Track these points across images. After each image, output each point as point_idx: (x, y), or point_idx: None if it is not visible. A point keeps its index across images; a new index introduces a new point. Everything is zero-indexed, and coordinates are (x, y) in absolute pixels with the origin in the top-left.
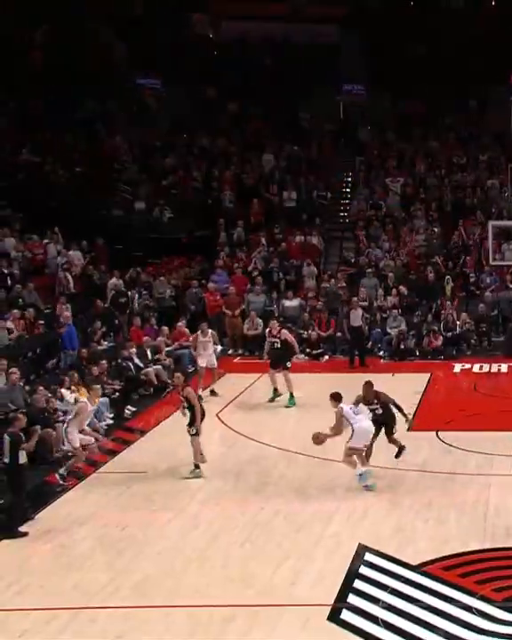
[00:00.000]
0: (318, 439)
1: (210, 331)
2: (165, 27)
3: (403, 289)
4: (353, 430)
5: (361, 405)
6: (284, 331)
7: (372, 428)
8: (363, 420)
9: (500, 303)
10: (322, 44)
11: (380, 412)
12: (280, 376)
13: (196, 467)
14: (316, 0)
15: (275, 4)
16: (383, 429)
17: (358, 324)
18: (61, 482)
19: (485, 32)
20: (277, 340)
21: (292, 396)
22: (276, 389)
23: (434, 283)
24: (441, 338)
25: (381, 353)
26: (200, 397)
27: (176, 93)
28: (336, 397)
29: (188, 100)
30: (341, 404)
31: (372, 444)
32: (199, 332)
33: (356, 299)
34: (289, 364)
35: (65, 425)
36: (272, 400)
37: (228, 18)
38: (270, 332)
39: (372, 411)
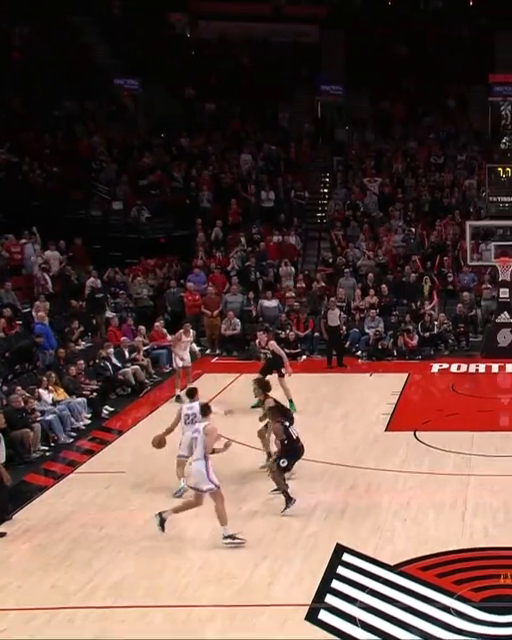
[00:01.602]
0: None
1: (192, 331)
2: (145, 26)
3: (384, 288)
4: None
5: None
6: (272, 342)
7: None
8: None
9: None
10: (302, 44)
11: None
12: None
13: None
14: (298, 0)
15: (255, 4)
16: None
17: (336, 323)
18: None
19: (465, 32)
20: (268, 351)
21: (291, 402)
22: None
23: (413, 283)
24: (416, 337)
25: (359, 353)
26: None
27: (155, 93)
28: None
29: (167, 99)
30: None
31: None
32: (182, 332)
33: (333, 299)
34: (283, 371)
35: (198, 459)
36: (256, 407)
37: (208, 17)
38: (259, 343)
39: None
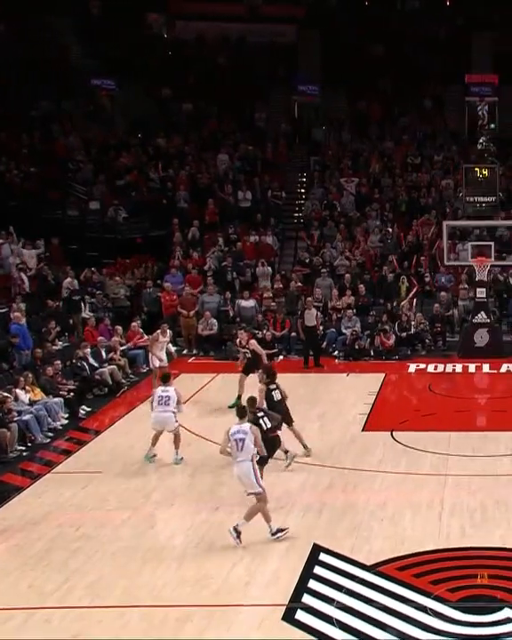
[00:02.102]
0: None
1: (169, 331)
2: (122, 27)
3: (361, 288)
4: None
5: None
6: (253, 341)
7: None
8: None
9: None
10: (279, 44)
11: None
12: (244, 380)
13: None
14: (275, 0)
15: (232, 5)
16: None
17: (313, 323)
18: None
19: (441, 33)
20: (248, 350)
21: (238, 397)
22: (239, 396)
23: (390, 283)
24: (393, 337)
25: (336, 353)
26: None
27: (132, 93)
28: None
29: (144, 99)
30: None
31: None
32: (159, 332)
33: (310, 299)
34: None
35: (244, 460)
36: (233, 406)
37: (185, 17)
38: (239, 342)
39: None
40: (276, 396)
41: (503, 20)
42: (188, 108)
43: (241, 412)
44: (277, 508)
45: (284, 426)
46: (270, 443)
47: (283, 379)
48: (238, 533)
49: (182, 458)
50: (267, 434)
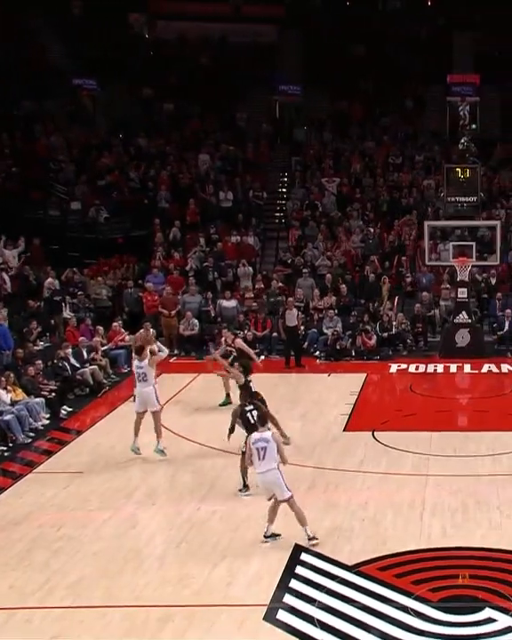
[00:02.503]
0: None
1: (152, 330)
2: (103, 27)
3: (343, 288)
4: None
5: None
6: (238, 340)
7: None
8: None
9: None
10: (260, 44)
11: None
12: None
13: None
14: (256, 0)
15: (213, 4)
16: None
17: (293, 324)
18: None
19: (423, 33)
20: (233, 349)
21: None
22: (228, 395)
23: (371, 283)
24: (374, 337)
25: (317, 353)
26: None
27: (114, 93)
28: None
29: (125, 99)
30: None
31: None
32: (142, 331)
33: (291, 299)
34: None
35: (271, 469)
36: (225, 405)
37: (166, 17)
38: (225, 341)
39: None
40: (253, 387)
41: (484, 19)
42: (170, 108)
43: (262, 420)
44: (258, 509)
45: None
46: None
47: (264, 378)
48: (310, 538)
49: (164, 449)
50: (254, 427)
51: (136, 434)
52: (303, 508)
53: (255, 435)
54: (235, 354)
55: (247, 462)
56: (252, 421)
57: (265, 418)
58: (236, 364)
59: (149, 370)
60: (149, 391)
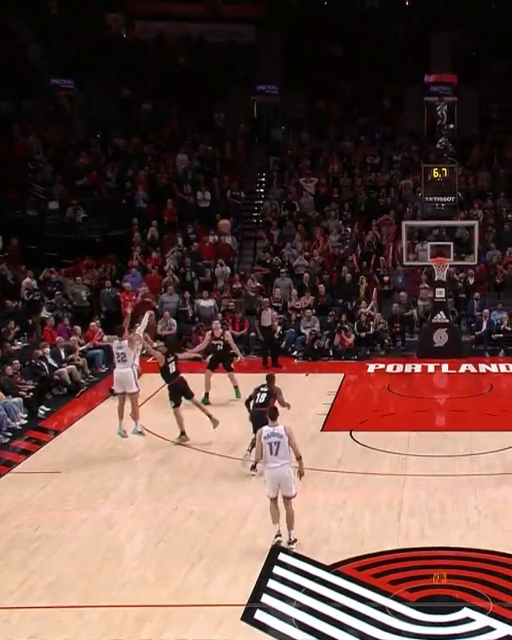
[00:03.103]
0: None
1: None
2: (81, 27)
3: (321, 288)
4: None
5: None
6: (227, 333)
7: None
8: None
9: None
10: (238, 44)
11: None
12: (211, 376)
13: None
14: (234, 0)
15: (191, 4)
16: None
17: (269, 324)
18: None
19: (400, 33)
20: (221, 342)
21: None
22: (207, 394)
23: (349, 283)
24: (352, 336)
25: (295, 353)
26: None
27: (92, 93)
28: None
29: (103, 100)
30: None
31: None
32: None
33: (266, 299)
34: (232, 366)
35: (285, 463)
36: (205, 402)
37: (144, 17)
38: (212, 334)
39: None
40: (172, 368)
41: (462, 20)
42: (148, 109)
43: (273, 414)
44: (236, 509)
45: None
46: (256, 417)
47: (242, 378)
48: (292, 541)
49: (142, 431)
50: (257, 408)
51: (120, 417)
52: (281, 508)
53: (267, 429)
54: (220, 347)
55: (257, 456)
56: (257, 402)
57: (276, 413)
58: (158, 345)
59: (129, 351)
60: (128, 372)
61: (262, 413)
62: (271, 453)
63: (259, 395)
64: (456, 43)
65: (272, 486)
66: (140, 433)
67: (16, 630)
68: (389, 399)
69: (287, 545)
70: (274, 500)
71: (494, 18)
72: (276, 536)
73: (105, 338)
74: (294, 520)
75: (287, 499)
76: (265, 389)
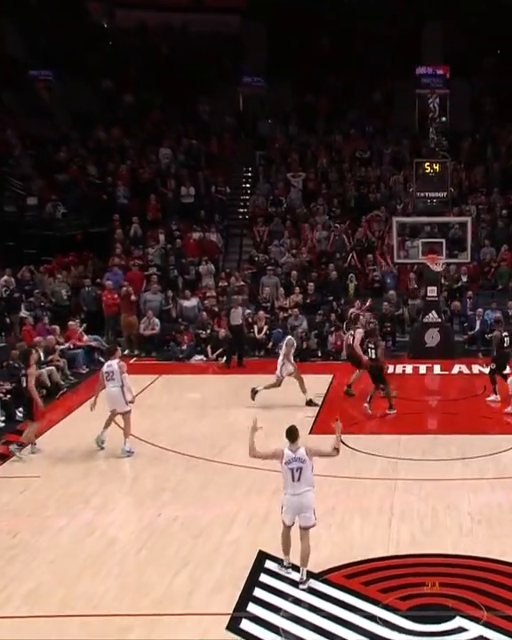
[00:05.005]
0: None
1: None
2: (61, 16)
3: (310, 286)
4: None
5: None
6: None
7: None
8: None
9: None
10: (223, 35)
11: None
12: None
13: None
14: None
15: None
16: None
17: (238, 322)
18: None
19: (391, 25)
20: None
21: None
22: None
23: (337, 281)
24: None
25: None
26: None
27: (72, 85)
28: None
29: (84, 91)
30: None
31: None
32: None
33: (236, 297)
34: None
35: (308, 490)
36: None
37: (126, 6)
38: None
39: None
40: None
41: (453, 12)
42: (130, 101)
43: (291, 435)
44: (221, 515)
45: None
46: (376, 370)
47: (234, 380)
48: (304, 581)
49: (131, 451)
50: (374, 362)
51: (105, 426)
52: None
53: (288, 453)
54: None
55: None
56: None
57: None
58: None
59: (117, 369)
60: (116, 391)
61: (379, 366)
62: (293, 480)
63: (371, 349)
64: (448, 35)
65: (290, 515)
66: (130, 452)
67: None
68: (380, 401)
69: (299, 582)
70: (288, 528)
71: (486, 11)
72: (286, 567)
73: (85, 337)
74: (309, 558)
75: (305, 529)
76: (372, 345)
